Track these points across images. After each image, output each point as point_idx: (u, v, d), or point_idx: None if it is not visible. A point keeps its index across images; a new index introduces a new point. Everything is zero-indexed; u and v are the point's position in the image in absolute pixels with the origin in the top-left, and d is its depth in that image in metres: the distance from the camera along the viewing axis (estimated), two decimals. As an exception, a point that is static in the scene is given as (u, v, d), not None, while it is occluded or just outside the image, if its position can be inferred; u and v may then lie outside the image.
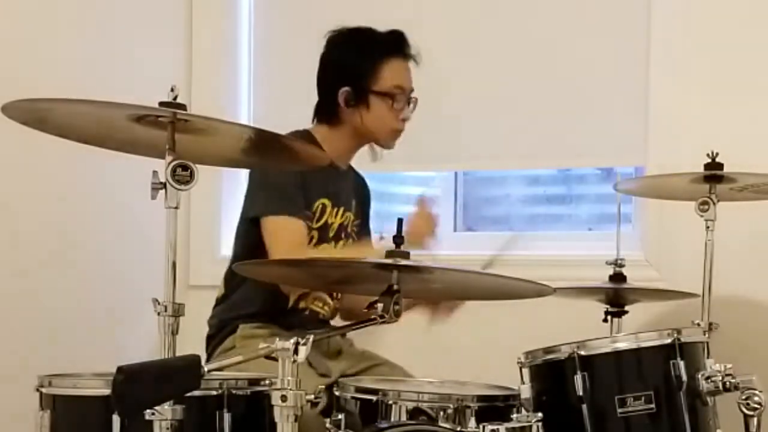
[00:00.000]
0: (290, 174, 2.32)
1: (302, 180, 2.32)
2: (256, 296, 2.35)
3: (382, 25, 2.45)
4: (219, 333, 2.40)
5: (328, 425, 1.78)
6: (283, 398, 1.49)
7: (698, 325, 2.19)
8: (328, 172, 2.37)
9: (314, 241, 2.38)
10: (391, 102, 2.39)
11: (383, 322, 1.68)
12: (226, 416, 1.68)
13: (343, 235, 2.48)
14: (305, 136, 2.36)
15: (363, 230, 2.60)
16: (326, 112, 2.44)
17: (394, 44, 2.42)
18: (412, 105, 2.44)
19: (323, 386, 1.65)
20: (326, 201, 2.40)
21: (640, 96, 2.85)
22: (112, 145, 1.78)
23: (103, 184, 2.78)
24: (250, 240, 2.35)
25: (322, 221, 2.40)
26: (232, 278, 2.43)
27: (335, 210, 2.44)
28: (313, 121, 2.47)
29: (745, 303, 2.68)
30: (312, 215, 2.37)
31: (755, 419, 1.83)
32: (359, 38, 2.43)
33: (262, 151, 1.85)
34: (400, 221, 1.73)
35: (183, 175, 1.59)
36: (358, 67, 2.39)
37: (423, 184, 3.43)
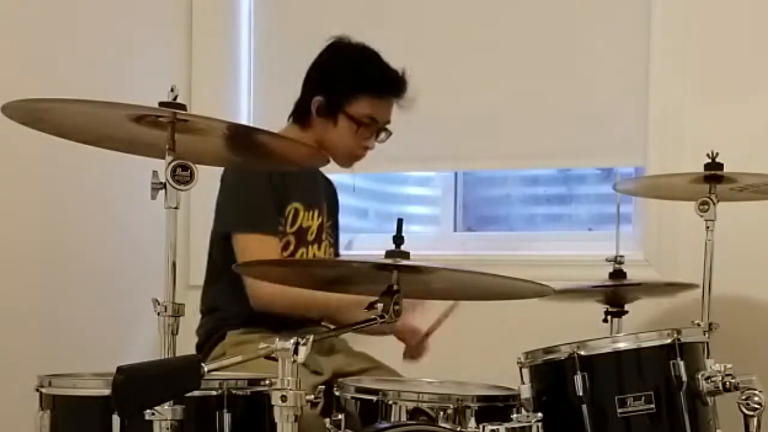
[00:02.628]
0: (261, 181, 2.31)
1: (274, 186, 2.32)
2: (240, 302, 2.33)
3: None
4: (207, 341, 2.39)
5: (328, 425, 1.78)
6: (283, 398, 1.49)
7: (698, 325, 2.19)
8: (301, 174, 2.38)
9: (291, 246, 2.38)
10: (357, 128, 2.39)
11: (383, 323, 1.68)
12: (226, 416, 1.68)
13: (323, 237, 2.48)
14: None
15: (334, 233, 2.60)
16: (300, 113, 2.44)
17: (387, 85, 2.39)
18: (384, 135, 2.44)
19: (323, 386, 1.65)
20: (298, 205, 2.40)
21: (640, 96, 2.85)
22: (112, 145, 1.78)
23: (103, 184, 2.78)
24: (223, 254, 2.34)
25: (297, 225, 2.39)
26: (211, 291, 2.43)
27: (310, 213, 2.43)
28: (289, 119, 2.47)
29: (745, 303, 2.68)
30: (284, 220, 2.36)
31: (755, 419, 1.83)
32: (357, 59, 2.41)
33: (260, 150, 1.85)
34: (400, 221, 1.72)
35: (183, 175, 1.59)
36: (340, 84, 2.38)
37: (423, 184, 3.43)
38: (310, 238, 2.44)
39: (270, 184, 2.32)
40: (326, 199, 2.56)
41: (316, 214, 2.45)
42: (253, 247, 2.29)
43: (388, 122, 2.44)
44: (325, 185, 2.59)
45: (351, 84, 2.38)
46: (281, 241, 2.36)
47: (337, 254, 2.64)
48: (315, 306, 2.31)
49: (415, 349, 2.41)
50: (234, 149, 1.81)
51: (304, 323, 2.36)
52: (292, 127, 2.46)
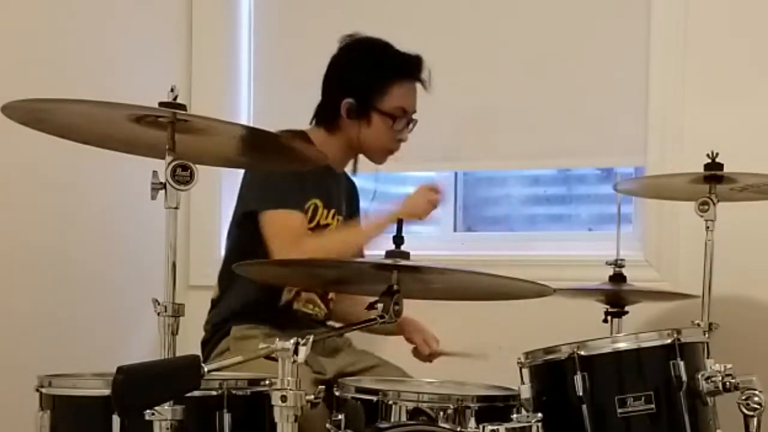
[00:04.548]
0: (286, 172, 2.31)
1: (297, 178, 2.32)
2: (247, 297, 2.35)
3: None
4: (213, 337, 2.40)
5: (328, 425, 1.78)
6: (283, 398, 1.49)
7: (698, 325, 2.19)
8: (324, 173, 2.38)
9: None
10: (392, 122, 2.40)
11: (383, 323, 1.68)
12: (226, 416, 1.68)
13: None
14: (301, 137, 2.36)
15: None
16: (326, 117, 2.44)
17: (409, 68, 2.41)
18: (411, 125, 2.46)
19: (323, 386, 1.65)
20: (318, 201, 2.40)
21: (640, 96, 2.85)
22: (112, 145, 1.78)
23: (103, 184, 2.78)
24: (244, 236, 2.35)
25: (315, 222, 2.40)
26: (225, 277, 2.43)
27: (327, 212, 2.44)
28: (311, 121, 2.47)
29: (745, 303, 2.68)
30: (305, 214, 2.37)
31: (755, 419, 1.83)
32: (375, 53, 2.42)
33: (261, 151, 1.85)
34: (400, 221, 1.72)
35: (183, 176, 1.59)
36: (367, 82, 2.39)
37: (423, 185, 3.43)
38: None
39: (293, 174, 2.32)
40: (346, 199, 2.57)
41: (333, 213, 2.46)
42: (280, 221, 2.29)
43: (415, 111, 2.45)
44: (346, 186, 2.59)
45: (379, 79, 2.39)
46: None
47: None
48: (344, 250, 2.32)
49: (426, 356, 2.44)
50: (237, 150, 1.81)
51: (309, 322, 2.38)
52: (317, 130, 2.45)
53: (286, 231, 2.27)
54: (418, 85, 2.45)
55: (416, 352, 2.46)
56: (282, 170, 2.31)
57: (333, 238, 2.37)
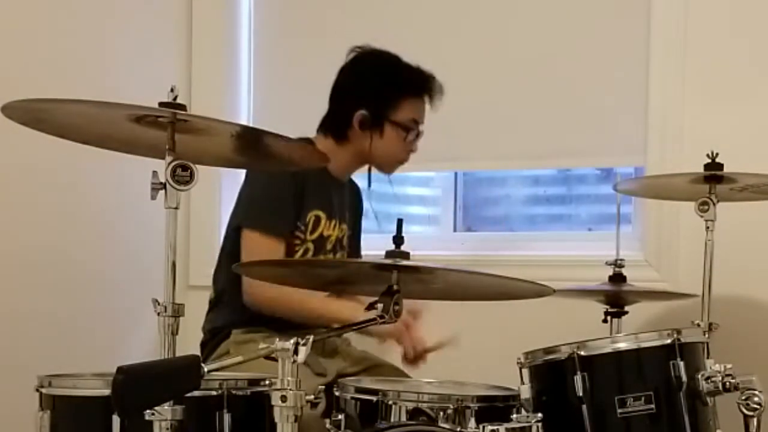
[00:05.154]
0: (285, 184, 2.31)
1: (296, 191, 2.33)
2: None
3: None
4: (212, 339, 2.40)
5: (328, 425, 1.78)
6: (283, 399, 1.49)
7: (698, 325, 2.19)
8: (326, 183, 2.39)
9: (310, 253, 2.39)
10: (405, 134, 2.41)
11: (383, 323, 1.68)
12: (226, 416, 1.69)
13: (338, 248, 2.50)
14: (308, 144, 2.35)
15: (352, 241, 2.60)
16: (336, 127, 2.43)
17: (422, 86, 2.43)
18: (419, 136, 2.47)
19: (323, 387, 1.65)
20: (321, 213, 2.41)
21: (640, 96, 2.85)
22: (112, 145, 1.78)
23: (103, 184, 2.78)
24: (233, 246, 2.35)
25: (317, 233, 2.40)
26: (221, 279, 2.44)
27: (331, 222, 2.44)
28: (318, 130, 2.47)
29: (745, 303, 2.68)
30: (304, 227, 2.37)
31: (755, 419, 1.83)
32: (388, 66, 2.42)
33: (261, 151, 1.85)
34: (399, 221, 1.72)
35: (183, 176, 1.59)
36: (380, 95, 2.39)
37: (423, 185, 3.43)
38: (329, 247, 2.45)
39: (294, 187, 2.33)
40: (350, 207, 2.57)
41: (337, 224, 2.46)
42: (256, 246, 2.29)
43: (423, 122, 2.48)
44: (351, 193, 2.60)
45: (393, 91, 2.40)
46: (300, 247, 2.38)
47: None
48: (309, 316, 2.29)
49: (413, 360, 2.39)
50: (236, 150, 1.81)
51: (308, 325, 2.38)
52: (324, 139, 2.44)
53: (255, 257, 2.24)
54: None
55: (403, 357, 2.44)
56: (281, 183, 2.30)
57: (296, 295, 2.22)
